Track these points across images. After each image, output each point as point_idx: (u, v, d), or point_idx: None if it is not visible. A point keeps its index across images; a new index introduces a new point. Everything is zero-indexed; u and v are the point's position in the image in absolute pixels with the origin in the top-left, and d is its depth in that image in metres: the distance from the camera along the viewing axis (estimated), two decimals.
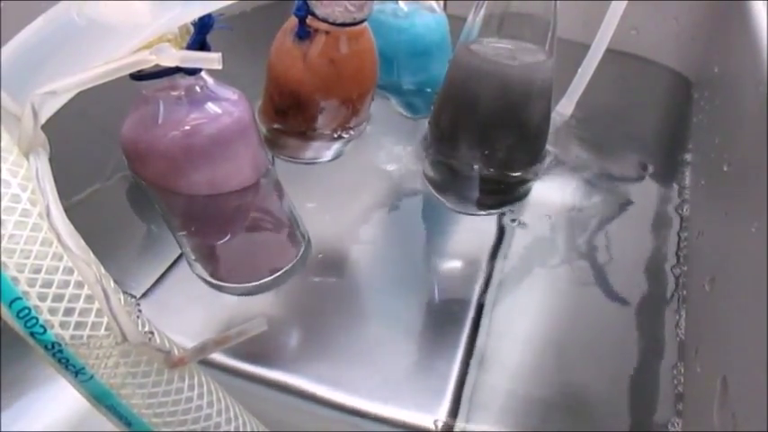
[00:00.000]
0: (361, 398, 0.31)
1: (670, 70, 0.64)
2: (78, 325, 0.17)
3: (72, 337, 0.17)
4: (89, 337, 0.17)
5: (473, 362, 0.33)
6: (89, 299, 0.17)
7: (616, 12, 0.35)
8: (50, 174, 0.17)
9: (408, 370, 0.33)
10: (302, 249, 0.35)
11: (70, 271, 0.17)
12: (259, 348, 0.33)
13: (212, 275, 0.33)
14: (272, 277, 0.33)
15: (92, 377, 0.18)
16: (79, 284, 0.17)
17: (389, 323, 0.35)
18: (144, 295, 0.35)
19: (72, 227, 0.17)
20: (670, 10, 0.62)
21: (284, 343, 0.34)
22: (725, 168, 0.38)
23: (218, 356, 0.32)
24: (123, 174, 0.42)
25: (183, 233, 0.31)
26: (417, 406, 0.31)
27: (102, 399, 0.19)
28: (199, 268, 0.33)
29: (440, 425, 0.30)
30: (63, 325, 0.17)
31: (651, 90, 0.63)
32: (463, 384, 0.32)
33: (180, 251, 0.33)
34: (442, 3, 0.46)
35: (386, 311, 0.36)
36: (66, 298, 0.17)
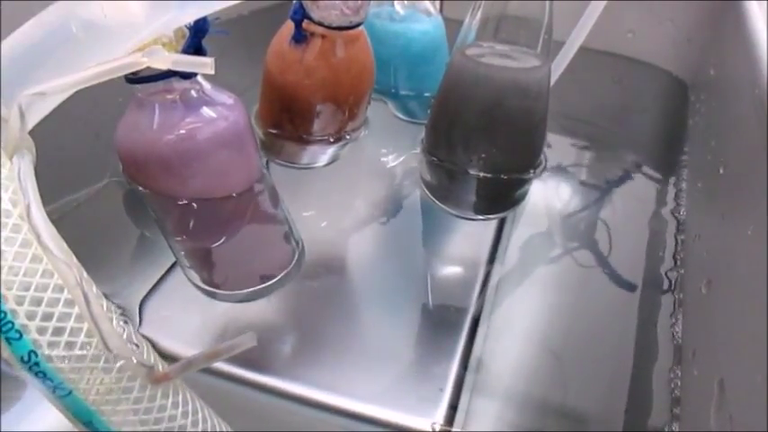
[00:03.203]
0: (359, 401, 0.31)
1: (666, 73, 0.65)
2: (57, 331, 0.16)
3: (50, 344, 0.16)
4: (68, 344, 0.16)
5: (470, 365, 0.33)
6: (69, 303, 0.16)
7: (593, 12, 0.35)
8: (33, 175, 0.17)
9: (406, 373, 0.33)
10: (297, 255, 0.35)
11: (50, 274, 0.16)
12: (256, 354, 0.33)
13: (206, 282, 0.33)
14: (267, 284, 0.33)
15: (70, 392, 0.17)
16: (60, 288, 0.16)
17: (386, 327, 0.35)
18: (142, 302, 0.35)
19: (54, 228, 0.17)
20: (666, 12, 0.62)
21: (281, 348, 0.34)
22: (721, 171, 0.38)
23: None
24: (118, 179, 0.42)
25: (178, 239, 0.31)
26: (415, 409, 0.31)
27: (80, 416, 0.18)
28: (193, 275, 0.33)
29: (437, 428, 0.30)
30: (41, 330, 0.16)
31: (647, 93, 0.63)
32: (460, 388, 0.32)
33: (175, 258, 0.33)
34: (438, 5, 0.46)
35: (383, 315, 0.36)
36: (45, 302, 0.16)
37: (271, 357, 0.33)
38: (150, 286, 0.36)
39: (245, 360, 0.32)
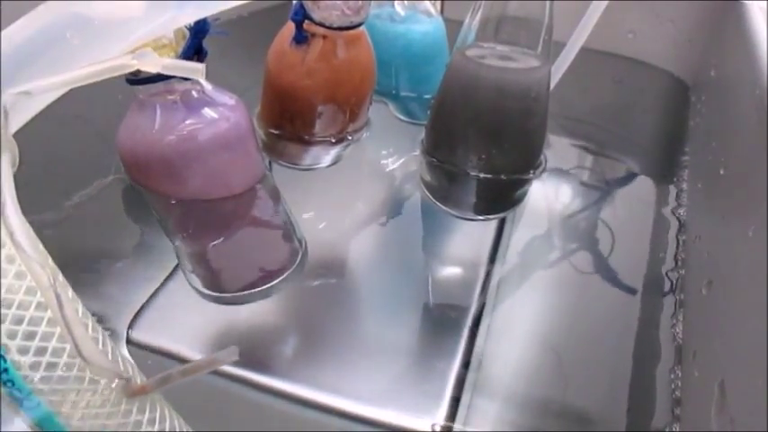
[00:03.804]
0: (360, 402, 0.31)
1: (667, 74, 0.65)
2: (28, 335, 0.15)
3: (20, 349, 0.15)
4: (38, 349, 0.15)
5: (471, 365, 0.33)
6: (42, 307, 0.16)
7: (594, 12, 0.35)
8: (10, 173, 0.16)
9: (407, 374, 0.33)
10: (299, 256, 0.35)
11: (24, 276, 0.16)
12: (257, 355, 0.33)
13: (208, 284, 0.33)
14: (270, 284, 0.33)
15: (39, 404, 0.16)
16: (33, 291, 0.16)
17: (387, 327, 0.35)
18: (144, 303, 0.35)
19: (29, 228, 0.16)
20: (667, 13, 0.62)
21: (282, 349, 0.34)
22: (722, 172, 0.38)
23: None
24: (119, 176, 0.42)
25: (179, 239, 0.31)
26: (415, 410, 0.31)
27: (45, 426, 0.16)
28: (194, 278, 0.32)
29: (438, 428, 0.30)
30: (11, 334, 0.15)
31: (648, 93, 0.63)
32: (461, 388, 0.32)
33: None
34: (438, 6, 0.46)
35: (384, 316, 0.36)
36: (16, 304, 0.15)
37: (272, 358, 0.33)
38: (152, 287, 0.36)
39: (246, 361, 0.32)
